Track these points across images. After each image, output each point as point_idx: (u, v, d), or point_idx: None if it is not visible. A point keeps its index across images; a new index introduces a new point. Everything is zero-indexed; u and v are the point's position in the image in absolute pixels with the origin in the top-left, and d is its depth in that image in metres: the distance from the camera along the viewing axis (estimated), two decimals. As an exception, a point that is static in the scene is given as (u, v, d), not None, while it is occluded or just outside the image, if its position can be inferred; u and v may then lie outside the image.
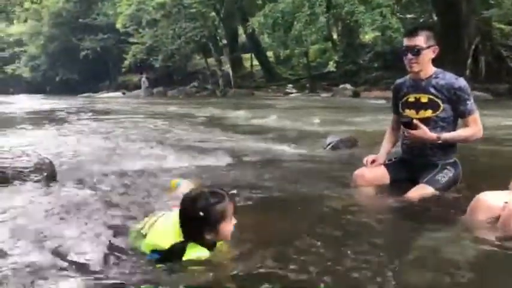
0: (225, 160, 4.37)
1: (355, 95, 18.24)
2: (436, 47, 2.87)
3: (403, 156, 3.12)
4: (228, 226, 1.94)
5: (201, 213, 1.86)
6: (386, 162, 3.13)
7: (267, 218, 2.63)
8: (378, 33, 19.09)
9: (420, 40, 2.82)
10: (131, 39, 25.46)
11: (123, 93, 28.46)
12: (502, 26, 19.26)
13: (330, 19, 18.37)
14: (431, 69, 2.91)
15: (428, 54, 2.85)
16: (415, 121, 2.82)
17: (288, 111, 11.41)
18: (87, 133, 7.04)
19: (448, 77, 2.87)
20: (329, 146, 5.28)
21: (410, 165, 3.03)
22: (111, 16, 29.16)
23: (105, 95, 28.26)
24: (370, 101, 15.06)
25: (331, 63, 18.20)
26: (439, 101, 2.86)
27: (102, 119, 10.09)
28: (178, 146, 5.32)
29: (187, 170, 3.85)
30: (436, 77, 2.88)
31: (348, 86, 19.34)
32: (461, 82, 2.84)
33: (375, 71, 20.86)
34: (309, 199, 3.02)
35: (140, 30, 24.73)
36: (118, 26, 25.05)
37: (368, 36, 22.26)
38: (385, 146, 3.21)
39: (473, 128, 2.85)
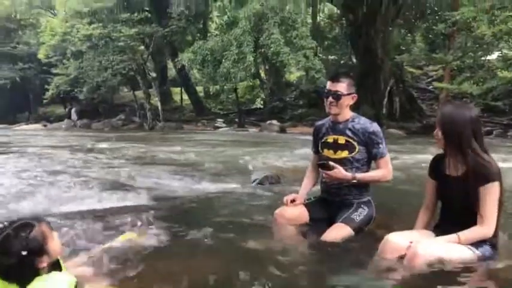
0: (146, 199, 4.25)
1: (282, 130, 18.84)
2: (355, 95, 3.07)
3: (321, 195, 3.25)
4: (54, 242, 1.84)
5: (24, 253, 1.72)
6: (306, 201, 3.23)
7: (193, 260, 2.60)
8: (302, 73, 20.03)
9: (342, 87, 3.01)
10: (54, 70, 24.39)
11: (44, 126, 26.98)
12: (413, 70, 21.10)
13: (257, 58, 19.01)
14: (349, 114, 3.11)
15: (348, 100, 3.05)
16: (330, 163, 2.97)
17: (216, 146, 11.44)
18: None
19: (363, 122, 3.07)
20: (254, 183, 5.37)
21: (328, 204, 3.16)
22: (33, 45, 27.88)
23: (24, 126, 26.54)
24: (296, 136, 15.57)
25: (258, 99, 18.75)
26: (355, 143, 3.04)
27: (13, 153, 9.40)
28: (97, 184, 5.08)
29: (107, 212, 3.69)
30: (353, 121, 3.08)
31: (275, 121, 19.96)
32: (375, 127, 3.05)
33: (300, 108, 21.77)
34: (232, 239, 3.02)
35: (64, 61, 23.82)
36: (40, 56, 24.00)
37: (293, 75, 23.28)
38: (305, 186, 3.32)
39: (384, 170, 3.04)
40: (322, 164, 3.01)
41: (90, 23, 21.42)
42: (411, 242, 2.29)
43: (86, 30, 20.96)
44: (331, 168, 2.94)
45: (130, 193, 4.51)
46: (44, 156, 8.59)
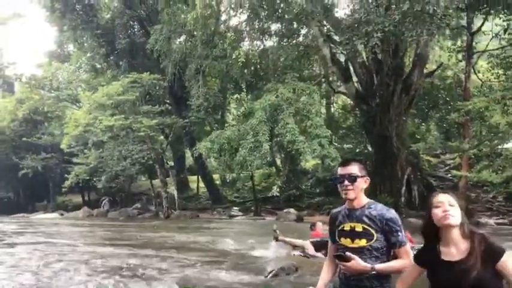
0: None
1: (299, 219, 18.50)
2: (368, 178, 3.02)
3: (340, 286, 3.07)
4: None
5: None
6: (325, 294, 3.05)
7: None
8: (318, 161, 20.14)
9: (355, 169, 2.97)
10: (75, 160, 25.09)
11: (61, 214, 27.16)
12: (430, 158, 21.07)
13: (273, 147, 19.31)
14: (365, 200, 3.02)
15: (362, 183, 2.98)
16: (347, 253, 2.84)
17: (231, 236, 11.24)
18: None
19: (380, 208, 2.98)
20: (270, 274, 5.19)
21: (348, 297, 2.97)
22: (57, 136, 28.98)
23: (41, 216, 26.69)
24: (314, 226, 15.22)
25: (274, 187, 18.69)
26: (373, 231, 2.92)
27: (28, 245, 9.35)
28: (112, 275, 4.96)
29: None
30: (369, 207, 2.99)
31: (292, 210, 19.70)
32: (393, 214, 2.95)
33: (317, 196, 21.59)
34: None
35: (86, 150, 24.59)
36: (63, 146, 24.79)
37: (309, 163, 23.41)
38: (324, 277, 3.16)
39: (404, 259, 2.89)
40: (339, 256, 2.88)
41: (112, 115, 22.35)
42: None
43: (108, 121, 21.79)
44: (348, 259, 2.81)
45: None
46: (59, 248, 8.51)
